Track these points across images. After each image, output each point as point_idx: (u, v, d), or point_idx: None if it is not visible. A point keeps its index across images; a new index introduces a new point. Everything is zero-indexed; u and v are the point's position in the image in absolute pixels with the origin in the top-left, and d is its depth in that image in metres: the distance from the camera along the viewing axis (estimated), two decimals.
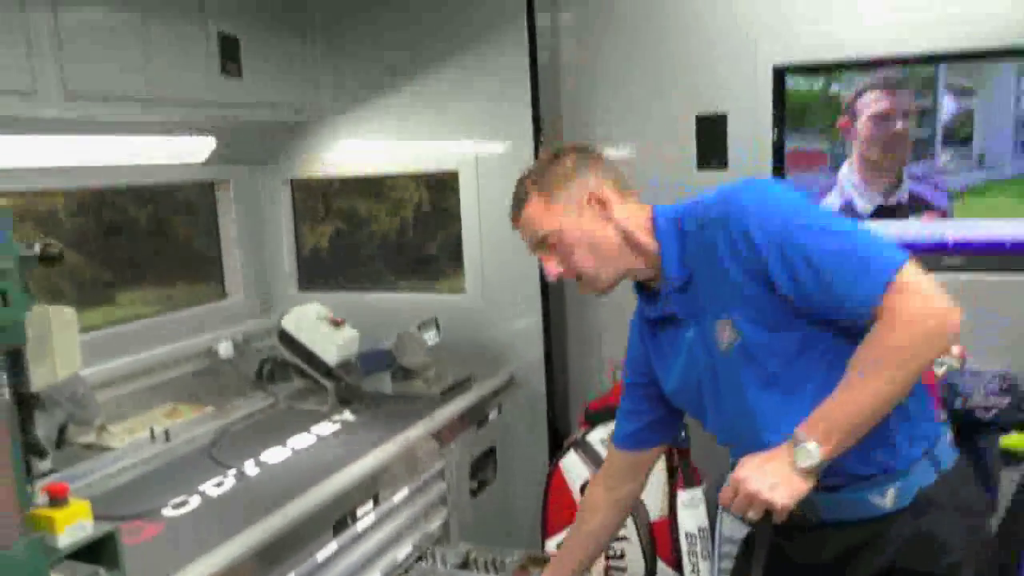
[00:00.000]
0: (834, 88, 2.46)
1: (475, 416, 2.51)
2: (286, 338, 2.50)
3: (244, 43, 2.41)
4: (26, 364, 1.44)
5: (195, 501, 1.82)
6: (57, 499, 1.34)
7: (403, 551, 2.13)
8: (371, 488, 1.97)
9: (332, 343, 2.45)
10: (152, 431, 2.23)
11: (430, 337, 2.58)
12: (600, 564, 2.49)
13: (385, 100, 2.75)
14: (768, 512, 1.33)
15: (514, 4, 2.54)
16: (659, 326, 1.60)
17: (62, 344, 1.51)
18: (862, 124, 2.45)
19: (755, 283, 1.39)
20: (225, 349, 2.69)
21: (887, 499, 1.43)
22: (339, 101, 2.80)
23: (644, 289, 1.60)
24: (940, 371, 1.90)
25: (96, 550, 1.40)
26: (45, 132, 2.00)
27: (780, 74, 2.48)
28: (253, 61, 2.45)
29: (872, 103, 2.43)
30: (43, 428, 2.02)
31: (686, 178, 2.58)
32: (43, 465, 1.94)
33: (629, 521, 2.44)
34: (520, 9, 2.53)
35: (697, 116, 2.59)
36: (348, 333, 2.51)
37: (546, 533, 2.63)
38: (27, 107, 1.81)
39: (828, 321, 1.38)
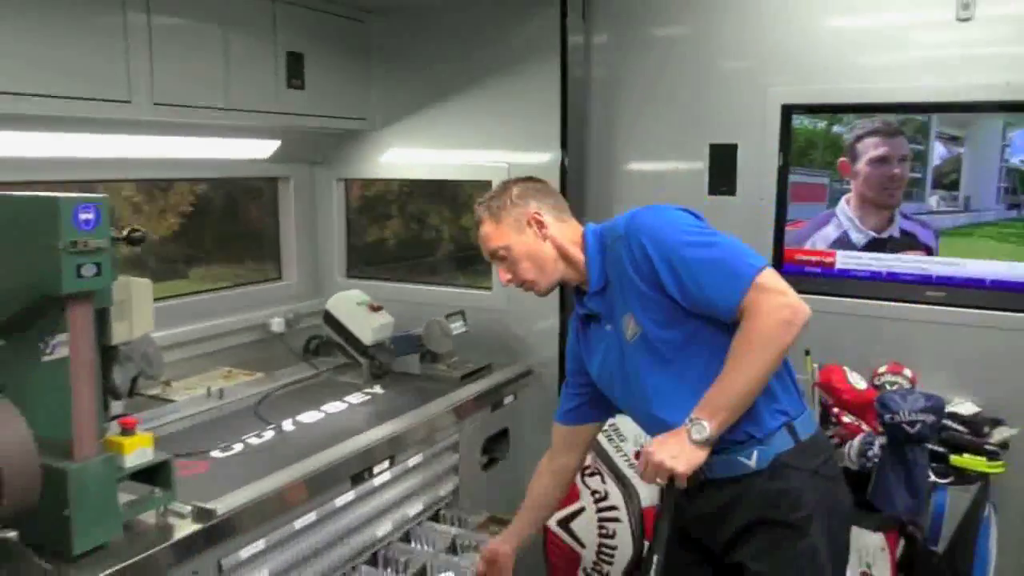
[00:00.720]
0: (836, 129, 2.67)
1: (491, 399, 2.82)
2: (329, 318, 2.85)
3: (308, 59, 2.76)
4: (110, 322, 1.81)
5: (238, 447, 2.17)
6: (127, 429, 1.69)
7: (414, 508, 2.44)
8: (388, 450, 2.29)
9: (368, 325, 2.79)
10: (208, 389, 2.60)
11: (456, 327, 2.90)
12: (594, 541, 2.77)
13: (429, 113, 3.08)
14: (672, 478, 1.68)
15: (549, 29, 2.82)
16: (587, 322, 1.95)
17: (139, 308, 1.86)
18: (862, 166, 2.66)
19: (649, 287, 1.74)
20: (278, 324, 3.06)
21: (752, 460, 1.74)
22: (389, 112, 3.14)
23: (578, 292, 1.95)
24: (892, 388, 2.13)
25: (153, 474, 1.75)
26: (136, 132, 2.39)
27: (787, 112, 2.70)
28: (315, 75, 2.80)
29: (872, 148, 2.63)
30: (119, 378, 2.42)
31: (698, 201, 2.81)
32: (117, 405, 2.33)
33: (622, 505, 2.72)
34: (554, 34, 2.81)
35: (711, 144, 2.84)
36: (384, 318, 2.85)
37: None
38: (122, 112, 2.19)
39: (708, 318, 1.71)
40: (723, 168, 2.83)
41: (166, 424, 2.35)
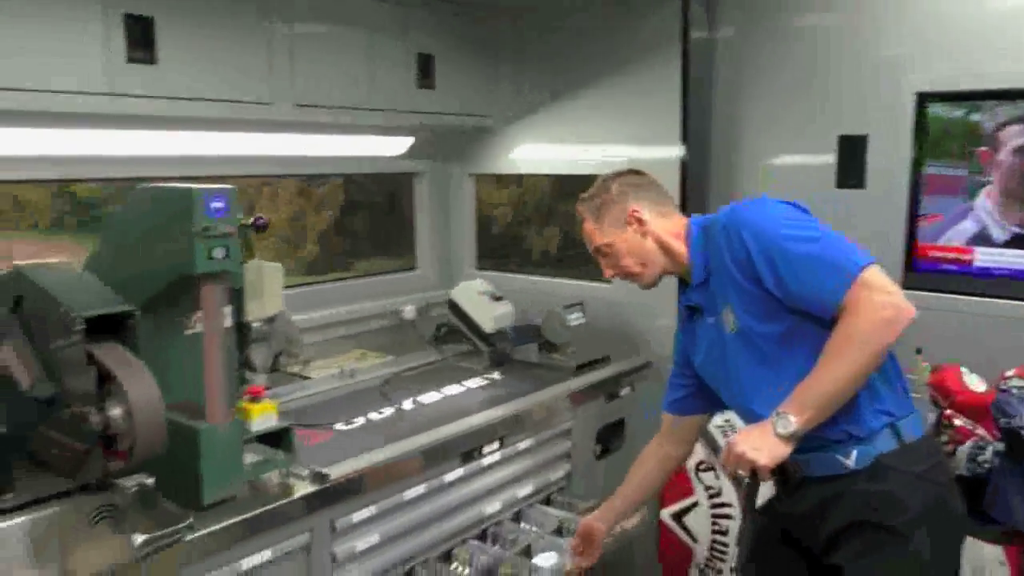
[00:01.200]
0: (974, 117, 2.52)
1: (607, 389, 2.88)
2: (454, 306, 3.00)
3: (438, 60, 2.91)
4: (244, 302, 2.01)
5: (360, 421, 2.35)
6: (255, 397, 1.89)
7: (524, 490, 2.53)
8: (498, 432, 2.40)
9: (490, 314, 2.91)
10: (341, 369, 2.81)
11: (575, 318, 2.97)
12: (707, 536, 2.76)
13: (553, 109, 3.17)
14: (755, 471, 1.66)
15: (670, 25, 2.83)
16: (691, 314, 1.96)
17: (270, 289, 2.06)
18: (1004, 156, 2.49)
19: (748, 280, 1.73)
20: (409, 312, 3.25)
21: (850, 460, 1.71)
22: (515, 110, 3.25)
23: (682, 283, 1.96)
24: (1018, 392, 1.99)
25: (277, 439, 1.94)
26: (277, 131, 2.62)
27: (922, 100, 2.58)
28: (444, 75, 2.95)
29: (1016, 136, 2.46)
30: (261, 355, 2.66)
31: (825, 194, 2.74)
32: (260, 379, 2.56)
33: (736, 502, 2.70)
34: (675, 31, 2.82)
35: (839, 136, 2.75)
36: (504, 307, 2.96)
37: (662, 503, 2.93)
38: (266, 113, 2.41)
39: (807, 313, 1.68)
40: (852, 160, 2.74)
41: (302, 398, 2.57)
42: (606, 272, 2.02)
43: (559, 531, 2.47)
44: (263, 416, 1.88)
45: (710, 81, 2.96)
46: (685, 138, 2.87)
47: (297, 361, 2.83)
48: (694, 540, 2.80)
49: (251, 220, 1.86)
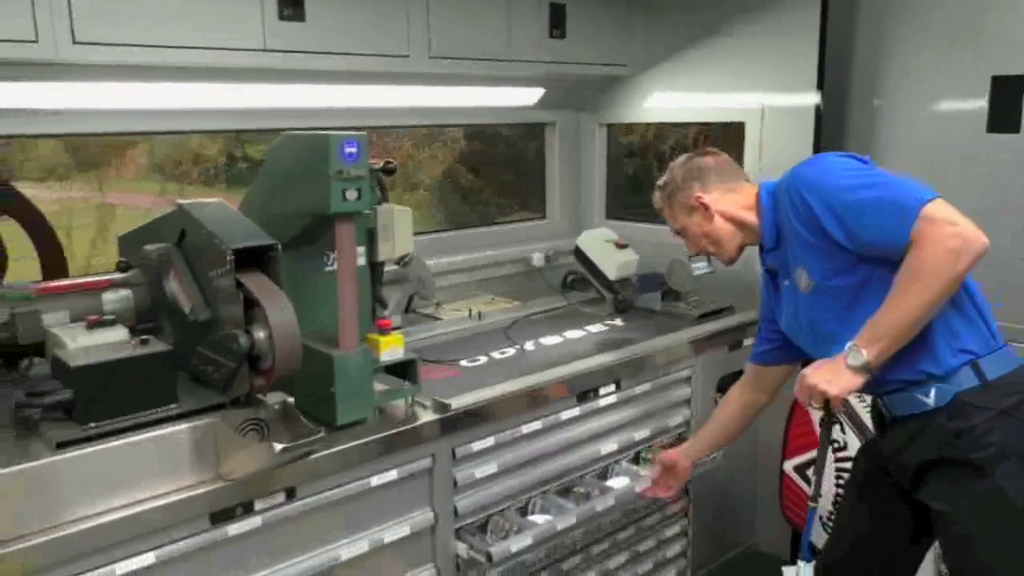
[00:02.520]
0: None
1: (729, 339, 2.88)
2: (579, 254, 3.07)
3: (569, 9, 2.94)
4: (376, 242, 2.16)
5: (483, 360, 2.48)
6: (383, 330, 2.04)
7: (641, 433, 2.60)
8: (615, 375, 2.47)
9: (613, 261, 2.96)
10: (470, 311, 2.96)
11: (700, 267, 2.96)
12: (831, 490, 2.73)
13: (688, 57, 3.13)
14: (827, 402, 1.73)
15: None
16: (771, 276, 2.04)
17: (400, 231, 2.21)
18: None
19: (816, 236, 1.76)
20: (538, 259, 3.35)
21: (930, 398, 1.72)
22: (648, 59, 3.24)
23: (761, 248, 2.02)
24: None
25: (403, 371, 2.09)
26: (413, 83, 2.75)
27: None
28: (576, 24, 2.98)
29: None
30: (396, 296, 2.85)
31: (974, 141, 2.61)
32: (384, 313, 2.74)
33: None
34: None
35: (993, 77, 2.58)
36: (628, 255, 3.00)
37: (785, 455, 2.91)
38: (403, 65, 2.54)
39: (879, 259, 1.69)
40: (1007, 102, 2.57)
41: (431, 337, 2.73)
42: (689, 251, 2.17)
43: (636, 459, 2.60)
44: (391, 348, 2.03)
45: (851, 23, 2.84)
46: (821, 84, 2.78)
47: (430, 303, 3.02)
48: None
49: (381, 164, 1.99)
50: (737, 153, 3.02)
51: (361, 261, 2.16)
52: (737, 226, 2.02)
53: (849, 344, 1.67)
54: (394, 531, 2.02)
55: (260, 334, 1.59)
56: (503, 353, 2.54)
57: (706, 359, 2.80)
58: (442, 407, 2.08)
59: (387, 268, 2.82)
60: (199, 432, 1.63)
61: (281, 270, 1.66)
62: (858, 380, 1.67)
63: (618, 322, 2.90)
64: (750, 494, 3.14)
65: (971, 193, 2.50)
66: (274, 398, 1.76)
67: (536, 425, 2.29)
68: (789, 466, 2.89)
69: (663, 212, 2.15)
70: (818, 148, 2.76)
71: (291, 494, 1.80)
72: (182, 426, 1.70)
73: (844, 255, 1.73)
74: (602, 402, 2.46)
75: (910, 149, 2.76)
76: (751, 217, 1.98)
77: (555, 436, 2.36)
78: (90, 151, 3.43)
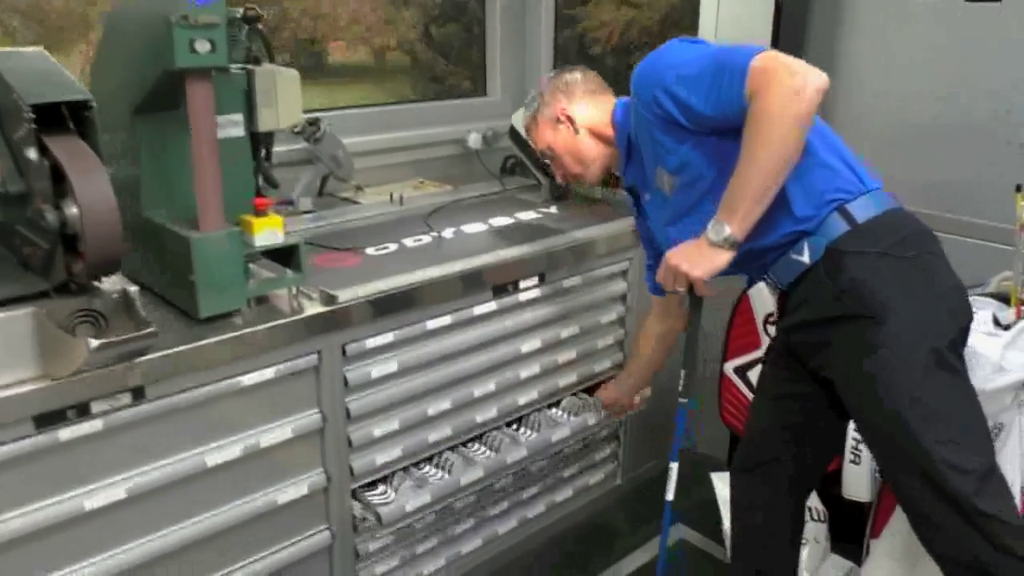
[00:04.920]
0: None
1: None
2: (514, 133, 2.77)
3: None
4: (255, 109, 1.87)
5: (392, 247, 2.22)
6: (259, 210, 1.78)
7: (569, 330, 2.38)
8: (539, 266, 2.23)
9: None
10: (391, 195, 2.69)
11: None
12: None
13: None
14: (692, 286, 1.59)
15: None
16: (635, 199, 1.95)
17: (285, 98, 1.90)
18: None
19: (665, 130, 1.64)
20: (475, 140, 3.05)
21: (804, 255, 1.60)
22: None
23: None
24: None
25: (286, 258, 1.84)
26: None
27: None
28: None
29: None
30: (307, 176, 2.56)
31: (950, 12, 2.30)
32: (305, 202, 2.47)
33: None
34: None
35: None
36: None
37: (725, 356, 2.72)
38: None
39: (736, 135, 1.51)
40: None
41: (344, 222, 2.46)
42: (556, 175, 2.05)
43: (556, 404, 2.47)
44: (267, 231, 1.77)
45: None
46: None
47: (348, 186, 2.74)
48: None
49: (241, 12, 1.68)
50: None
51: (238, 131, 1.87)
52: (602, 143, 1.92)
53: (711, 221, 1.54)
54: (274, 434, 1.81)
55: (72, 210, 1.32)
56: (417, 241, 2.29)
57: None
58: (329, 299, 1.84)
59: (298, 146, 2.57)
60: (15, 323, 1.39)
61: (96, 133, 1.38)
62: (723, 257, 1.54)
63: (553, 210, 2.64)
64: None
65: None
66: (114, 285, 1.51)
67: (444, 320, 2.06)
68: (729, 367, 2.69)
69: (529, 133, 2.04)
70: (776, 45, 2.44)
71: (139, 394, 1.58)
72: None
73: (696, 140, 1.62)
74: (523, 296, 2.23)
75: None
76: (609, 130, 1.90)
77: (468, 333, 2.13)
78: None
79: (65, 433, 1.51)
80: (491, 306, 2.16)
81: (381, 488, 2.07)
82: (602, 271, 2.43)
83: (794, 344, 1.72)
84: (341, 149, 2.59)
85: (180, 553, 1.73)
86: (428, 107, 3.10)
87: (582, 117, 1.92)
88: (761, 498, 1.90)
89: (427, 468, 2.16)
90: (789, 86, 1.42)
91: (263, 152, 1.96)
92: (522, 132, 2.70)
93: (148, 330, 1.42)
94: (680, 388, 1.81)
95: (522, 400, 2.32)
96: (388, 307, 1.92)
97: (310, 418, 1.87)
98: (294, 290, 1.86)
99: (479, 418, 2.22)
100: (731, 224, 1.51)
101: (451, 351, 2.10)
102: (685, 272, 1.57)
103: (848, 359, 1.57)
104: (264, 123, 1.89)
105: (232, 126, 1.85)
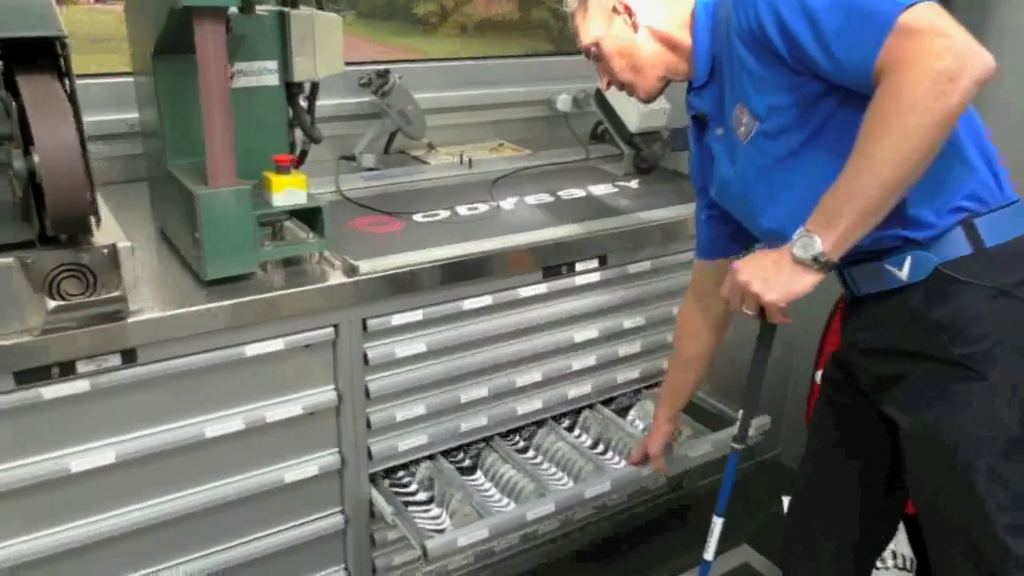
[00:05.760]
0: None
1: None
2: (600, 98, 2.53)
3: None
4: (289, 57, 1.72)
5: (443, 215, 2.04)
6: (280, 167, 1.63)
7: (632, 321, 2.14)
8: (600, 247, 2.00)
9: (636, 110, 2.41)
10: (461, 157, 2.50)
11: None
12: None
13: None
14: (763, 309, 1.24)
15: None
16: (699, 129, 1.54)
17: (325, 45, 1.75)
18: None
19: (761, 59, 1.26)
20: (563, 102, 2.80)
21: (903, 270, 1.27)
22: None
23: (690, 87, 1.51)
24: None
25: (312, 220, 1.70)
26: None
27: None
28: None
29: None
30: (373, 133, 2.41)
31: None
32: (368, 158, 2.32)
33: None
34: None
35: None
36: (658, 103, 2.42)
37: (818, 363, 2.41)
38: None
39: (847, 93, 1.19)
40: None
41: (402, 183, 2.30)
42: (601, 80, 1.61)
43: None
44: (287, 191, 1.63)
45: None
46: None
47: (420, 144, 2.58)
48: None
49: None
50: None
51: (271, 80, 1.73)
52: (667, 47, 1.48)
53: (800, 230, 1.18)
54: (281, 409, 1.68)
55: (37, 157, 1.21)
56: (472, 209, 2.10)
57: None
58: (351, 269, 1.68)
59: (365, 99, 2.42)
60: None
61: (72, 74, 1.25)
62: (807, 280, 1.18)
63: (633, 184, 2.38)
64: (778, 404, 2.67)
65: None
66: (107, 239, 1.40)
67: (483, 301, 1.87)
68: (820, 376, 2.39)
69: (574, 22, 1.58)
70: None
71: (129, 357, 1.48)
72: None
73: (796, 84, 1.23)
74: (579, 280, 2.01)
75: None
76: (685, 37, 1.45)
77: (510, 316, 1.94)
78: None
79: (48, 391, 1.43)
80: (540, 289, 1.95)
81: (434, 510, 1.86)
82: (677, 257, 2.16)
83: (858, 369, 1.43)
84: (411, 104, 2.42)
85: (177, 522, 1.64)
86: (512, 64, 2.88)
87: (647, 12, 1.48)
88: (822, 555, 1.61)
89: (460, 456, 2.00)
90: (942, 69, 1.04)
91: (303, 104, 1.82)
92: (608, 96, 2.47)
93: (112, 294, 1.30)
94: (736, 433, 1.53)
95: (572, 393, 2.11)
96: (417, 283, 1.75)
97: (324, 395, 1.73)
98: (315, 256, 1.71)
99: (520, 409, 2.03)
100: (825, 239, 1.15)
101: (490, 334, 1.91)
102: (756, 293, 1.23)
103: (924, 408, 1.28)
104: (300, 72, 1.75)
105: (264, 74, 1.71)
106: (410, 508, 1.83)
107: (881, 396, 1.37)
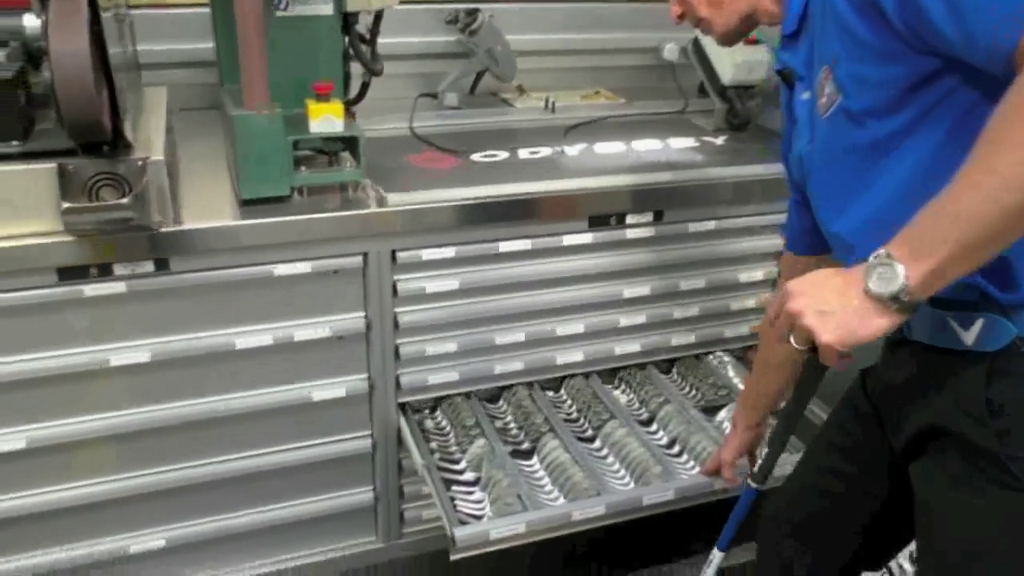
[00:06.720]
0: None
1: None
2: (697, 48, 2.39)
3: None
4: None
5: (502, 156, 2.02)
6: (320, 95, 1.67)
7: (691, 283, 2.04)
8: (653, 201, 1.92)
9: (731, 61, 2.26)
10: (547, 102, 2.45)
11: None
12: None
13: None
14: (814, 347, 0.98)
15: None
16: (788, 90, 1.28)
17: None
18: None
19: (863, 18, 0.98)
20: (670, 51, 2.67)
21: (969, 333, 1.02)
22: None
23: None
24: None
25: (353, 145, 1.73)
26: None
27: None
28: None
29: None
30: (457, 72, 2.42)
31: None
32: (451, 97, 2.33)
33: None
34: None
35: None
36: (756, 54, 2.27)
37: None
38: None
39: (965, 73, 0.93)
40: None
41: (477, 123, 2.29)
42: (672, 12, 1.38)
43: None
44: (324, 118, 1.67)
45: None
46: None
47: (511, 87, 2.56)
48: None
49: None
50: None
51: (325, 8, 1.77)
52: None
53: (880, 252, 0.92)
54: (309, 330, 1.75)
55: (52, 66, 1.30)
56: (534, 153, 2.06)
57: None
58: (382, 200, 1.71)
59: (453, 38, 2.42)
60: (36, 176, 1.43)
61: None
62: (880, 323, 0.92)
63: (719, 140, 2.24)
64: None
65: None
66: (149, 154, 1.49)
67: (522, 244, 1.85)
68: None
69: None
70: None
71: (162, 265, 1.59)
72: (17, 167, 1.46)
73: (902, 54, 0.96)
74: (630, 233, 1.93)
75: None
76: None
77: (551, 263, 1.90)
78: None
79: (89, 289, 1.56)
80: (585, 238, 1.90)
81: (477, 493, 1.73)
82: (744, 220, 2.03)
83: (884, 410, 1.24)
84: (500, 44, 2.39)
85: (208, 424, 1.76)
86: (614, 8, 2.76)
87: None
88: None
89: (520, 437, 1.90)
90: None
91: (365, 35, 1.84)
92: (704, 45, 2.34)
93: (120, 200, 1.39)
94: (754, 469, 1.37)
95: (618, 351, 2.05)
96: (448, 219, 1.75)
97: (353, 322, 1.78)
98: (353, 186, 1.75)
99: (560, 359, 2.00)
100: (913, 271, 0.89)
101: (529, 280, 1.89)
102: (810, 328, 0.96)
103: (950, 491, 1.08)
104: (354, 2, 1.77)
105: (317, 2, 1.75)
106: (453, 488, 1.74)
107: (907, 454, 1.17)
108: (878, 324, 0.92)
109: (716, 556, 1.46)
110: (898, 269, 0.89)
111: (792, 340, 1.01)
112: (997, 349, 1.01)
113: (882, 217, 0.98)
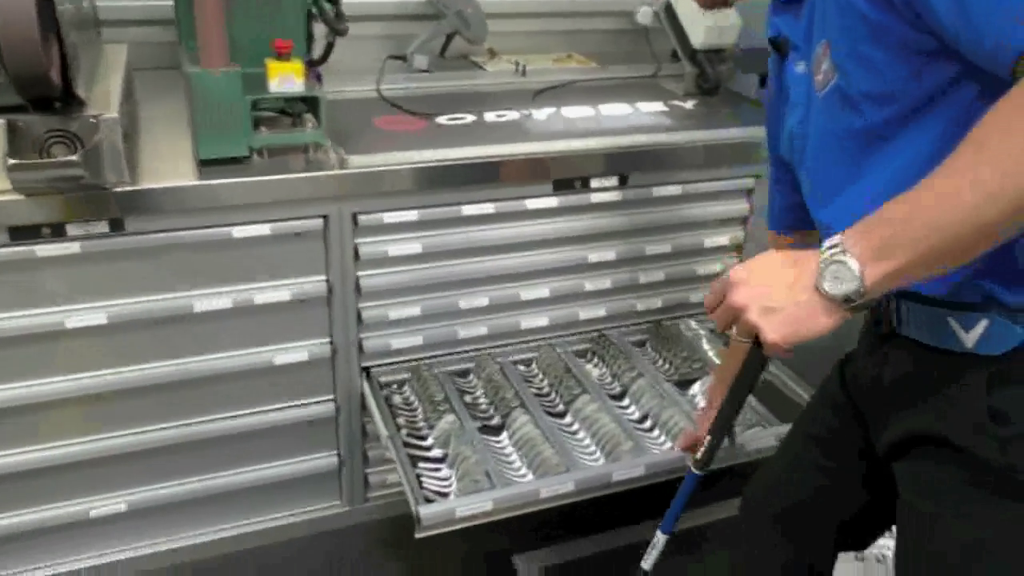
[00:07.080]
0: None
1: None
2: (669, 11, 2.37)
3: None
4: None
5: (468, 119, 1.99)
6: (280, 54, 1.64)
7: (656, 247, 2.04)
8: (617, 165, 1.90)
9: (702, 24, 2.24)
10: (517, 65, 2.42)
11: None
12: None
13: None
14: (758, 339, 0.94)
15: None
16: (780, 59, 1.21)
17: None
18: None
19: None
20: (644, 15, 2.63)
21: (970, 335, 0.97)
22: None
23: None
24: None
25: (313, 106, 1.71)
26: None
27: None
28: None
29: None
30: (426, 34, 2.38)
31: None
32: (420, 60, 2.29)
33: None
34: None
35: None
36: (729, 19, 2.25)
37: None
38: None
39: (970, 68, 0.87)
40: None
41: (445, 86, 2.25)
42: None
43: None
44: (283, 77, 1.64)
45: None
46: None
47: (481, 50, 2.53)
48: None
49: None
50: None
51: None
52: None
53: (834, 242, 0.87)
54: (269, 294, 1.74)
55: None
56: (500, 116, 2.03)
57: None
58: (342, 162, 1.69)
59: None
60: None
61: None
62: (826, 322, 0.89)
63: (688, 104, 2.23)
64: None
65: None
66: (100, 110, 1.47)
67: (485, 208, 1.84)
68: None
69: None
70: None
71: (117, 225, 1.57)
72: None
73: (903, 35, 0.90)
74: (595, 197, 1.93)
75: None
76: None
77: (515, 228, 1.89)
78: None
79: (41, 250, 1.54)
80: (550, 202, 1.89)
81: (444, 470, 1.69)
82: (710, 185, 2.03)
83: (867, 407, 1.19)
84: (471, 6, 2.36)
85: (168, 388, 1.74)
86: None
87: None
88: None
89: (489, 412, 1.86)
90: None
91: None
92: (675, 7, 2.32)
93: (70, 157, 1.37)
94: (697, 456, 1.30)
95: (583, 315, 2.05)
96: (408, 182, 1.74)
97: (313, 285, 1.77)
98: (311, 147, 1.73)
99: (525, 324, 2.00)
100: (869, 271, 0.84)
101: (493, 244, 1.88)
102: (754, 324, 0.93)
103: (940, 497, 1.03)
104: None
105: None
106: (420, 465, 1.70)
107: (892, 456, 1.12)
108: (824, 323, 0.89)
109: (660, 539, 1.42)
110: (854, 268, 0.85)
111: (735, 332, 0.97)
112: (1001, 352, 0.96)
113: (871, 212, 0.91)
